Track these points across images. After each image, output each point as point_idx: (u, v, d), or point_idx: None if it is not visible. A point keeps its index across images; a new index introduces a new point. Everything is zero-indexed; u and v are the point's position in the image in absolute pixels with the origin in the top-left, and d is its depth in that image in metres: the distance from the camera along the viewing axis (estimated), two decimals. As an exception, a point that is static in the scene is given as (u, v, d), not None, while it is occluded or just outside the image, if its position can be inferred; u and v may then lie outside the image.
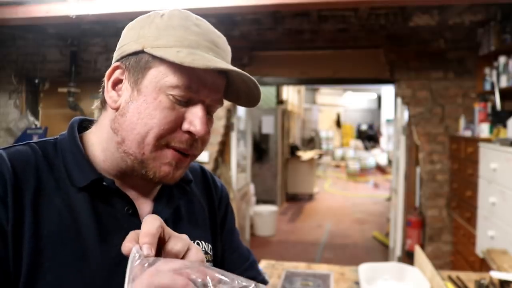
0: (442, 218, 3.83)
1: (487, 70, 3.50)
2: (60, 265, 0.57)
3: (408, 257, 3.86)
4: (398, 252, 4.18)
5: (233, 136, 4.49)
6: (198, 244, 0.72)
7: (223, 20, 3.93)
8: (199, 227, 0.74)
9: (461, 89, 3.78)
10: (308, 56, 4.11)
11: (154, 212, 0.69)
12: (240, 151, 5.10)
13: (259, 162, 7.37)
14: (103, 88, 0.67)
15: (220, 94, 0.66)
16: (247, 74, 0.63)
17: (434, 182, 3.84)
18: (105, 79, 0.67)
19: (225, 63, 0.63)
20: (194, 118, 0.62)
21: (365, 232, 5.91)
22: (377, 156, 12.91)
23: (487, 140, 3.04)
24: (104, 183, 0.64)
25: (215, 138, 4.15)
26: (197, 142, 0.65)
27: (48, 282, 0.57)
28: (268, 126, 7.39)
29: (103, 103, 0.68)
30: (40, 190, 0.60)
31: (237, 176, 4.71)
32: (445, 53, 3.80)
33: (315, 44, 3.97)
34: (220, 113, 4.11)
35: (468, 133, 3.51)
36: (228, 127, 4.33)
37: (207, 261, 0.72)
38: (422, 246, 3.80)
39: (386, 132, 11.77)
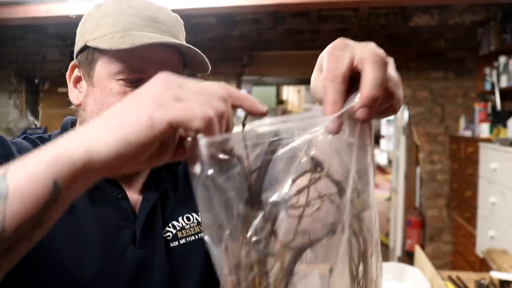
0: (442, 218, 3.83)
1: (487, 70, 3.50)
2: (57, 245, 0.58)
3: (408, 257, 3.86)
4: (398, 252, 4.17)
5: (233, 136, 4.49)
6: (188, 218, 0.72)
7: (223, 20, 3.93)
8: (188, 202, 0.74)
9: (461, 89, 3.78)
10: (308, 56, 4.10)
11: (143, 196, 0.69)
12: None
13: (259, 162, 7.37)
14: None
15: (172, 68, 0.65)
16: (182, 43, 0.63)
17: (434, 182, 3.84)
18: (67, 78, 0.69)
19: (161, 37, 0.63)
20: None
21: (365, 232, 5.91)
22: (377, 156, 12.92)
23: (487, 140, 3.04)
24: None
25: (215, 138, 4.14)
26: None
27: (45, 260, 0.57)
28: (268, 126, 7.37)
29: (70, 103, 0.70)
30: None
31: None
32: (445, 53, 3.79)
33: (315, 44, 3.97)
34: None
35: (468, 133, 3.51)
36: (228, 127, 4.33)
37: (201, 231, 0.72)
38: (422, 246, 3.80)
39: (387, 132, 11.77)
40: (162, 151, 0.39)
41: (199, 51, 0.65)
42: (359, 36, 3.90)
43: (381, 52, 0.38)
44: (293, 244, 0.37)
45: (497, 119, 3.23)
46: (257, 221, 0.36)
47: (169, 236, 0.69)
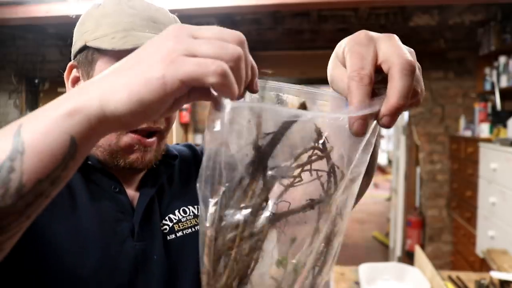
0: (442, 218, 3.83)
1: (487, 70, 3.50)
2: (57, 238, 0.59)
3: (408, 257, 3.86)
4: (398, 252, 4.18)
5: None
6: (184, 211, 0.73)
7: (223, 20, 3.93)
8: (184, 195, 0.75)
9: (461, 89, 3.78)
10: (308, 56, 4.11)
11: (141, 190, 0.70)
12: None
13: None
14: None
15: None
16: None
17: (434, 182, 3.84)
18: (65, 79, 0.69)
19: None
20: None
21: (365, 232, 5.91)
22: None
23: (487, 140, 3.04)
24: (89, 162, 0.66)
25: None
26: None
27: (45, 252, 0.58)
28: (268, 126, 7.39)
29: None
30: None
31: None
32: (445, 53, 3.80)
33: (315, 44, 3.98)
34: (220, 113, 4.11)
35: (468, 133, 3.51)
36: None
37: (197, 224, 0.73)
38: (422, 246, 3.80)
39: (387, 132, 11.79)
40: (176, 103, 0.39)
41: None
42: (359, 36, 3.90)
43: (407, 54, 0.37)
44: (273, 209, 0.38)
45: (497, 119, 3.24)
46: (256, 188, 0.37)
47: (166, 229, 0.70)
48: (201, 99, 0.40)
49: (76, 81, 0.69)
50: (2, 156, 0.34)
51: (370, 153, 0.41)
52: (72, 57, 0.70)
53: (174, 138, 3.85)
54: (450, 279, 1.75)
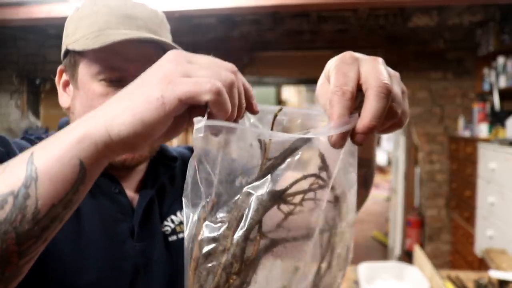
0: (441, 218, 3.84)
1: (486, 71, 3.51)
2: (59, 239, 0.59)
3: (407, 257, 3.87)
4: (397, 251, 4.19)
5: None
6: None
7: (223, 21, 3.94)
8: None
9: (460, 89, 3.80)
10: (307, 57, 4.12)
11: (140, 191, 0.71)
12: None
13: (259, 162, 7.37)
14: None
15: (153, 63, 0.66)
16: (154, 37, 0.62)
17: (433, 182, 3.86)
18: (56, 83, 0.70)
19: (135, 33, 0.62)
20: None
21: (364, 232, 5.92)
22: (377, 156, 12.92)
23: (486, 140, 3.05)
24: None
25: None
26: None
27: (47, 253, 0.57)
28: (268, 126, 7.37)
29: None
30: None
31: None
32: (444, 54, 3.81)
33: (315, 45, 3.99)
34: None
35: (467, 133, 3.52)
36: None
37: None
38: (421, 246, 3.81)
39: (385, 136, 11.82)
40: (178, 124, 0.41)
41: (173, 45, 0.64)
42: (358, 36, 3.92)
43: (385, 77, 0.38)
44: (271, 235, 0.39)
45: (495, 119, 3.25)
46: (251, 204, 0.38)
47: (167, 230, 0.70)
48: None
49: (66, 84, 0.70)
50: (17, 183, 0.36)
51: (352, 173, 0.43)
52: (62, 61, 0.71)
53: (175, 139, 3.86)
54: (449, 278, 1.76)
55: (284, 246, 0.40)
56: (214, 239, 0.37)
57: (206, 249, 0.37)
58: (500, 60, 3.24)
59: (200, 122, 0.36)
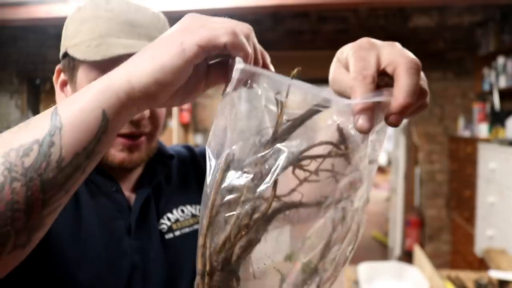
0: (441, 217, 3.84)
1: (486, 71, 3.51)
2: (59, 234, 0.59)
3: (407, 257, 3.87)
4: (397, 251, 4.19)
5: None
6: (182, 210, 0.74)
7: (223, 21, 3.94)
8: (182, 195, 0.76)
9: (460, 89, 3.80)
10: (308, 56, 4.12)
11: (137, 189, 0.71)
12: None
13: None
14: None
15: None
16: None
17: (433, 182, 3.86)
18: (54, 83, 0.69)
19: (136, 43, 0.62)
20: None
21: (364, 232, 5.88)
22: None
23: (486, 140, 3.05)
24: None
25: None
26: (144, 120, 0.65)
27: (46, 248, 0.58)
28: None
29: None
30: None
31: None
32: (444, 54, 3.81)
33: (315, 45, 3.99)
34: (220, 113, 4.12)
35: (467, 133, 3.52)
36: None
37: (197, 222, 0.73)
38: (421, 246, 3.82)
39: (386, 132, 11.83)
40: (196, 83, 0.42)
41: None
42: (358, 36, 3.89)
43: (413, 56, 0.37)
44: (285, 199, 0.39)
45: (495, 119, 3.25)
46: (268, 154, 0.38)
47: (164, 228, 0.70)
48: (219, 82, 0.43)
49: (64, 84, 0.69)
50: (42, 133, 0.37)
51: (378, 150, 0.42)
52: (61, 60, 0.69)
53: (175, 138, 3.86)
54: (449, 278, 1.76)
55: (297, 211, 0.40)
56: (236, 189, 0.37)
57: (228, 198, 0.37)
58: (500, 60, 3.24)
59: (240, 63, 0.37)
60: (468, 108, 3.71)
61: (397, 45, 0.39)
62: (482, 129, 3.29)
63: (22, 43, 4.30)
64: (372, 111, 0.36)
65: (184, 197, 0.75)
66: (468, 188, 3.29)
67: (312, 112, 0.39)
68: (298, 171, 0.39)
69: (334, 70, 0.42)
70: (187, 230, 0.72)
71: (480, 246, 2.97)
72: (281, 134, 0.39)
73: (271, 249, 0.39)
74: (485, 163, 2.93)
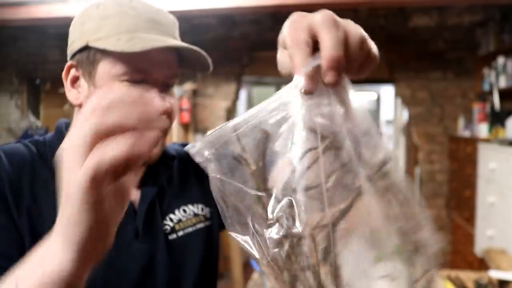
0: (441, 217, 3.84)
1: (486, 71, 3.51)
2: None
3: (407, 257, 3.88)
4: (397, 251, 4.19)
5: (233, 136, 4.50)
6: (184, 210, 0.73)
7: (223, 21, 3.95)
8: (183, 195, 0.75)
9: (460, 89, 3.80)
10: (307, 57, 4.12)
11: (141, 192, 0.70)
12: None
13: (259, 162, 7.38)
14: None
15: (173, 69, 0.68)
16: (188, 45, 0.65)
17: (433, 182, 3.86)
18: (63, 79, 0.69)
19: (166, 39, 0.64)
20: None
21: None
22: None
23: (486, 140, 3.05)
24: None
25: (215, 138, 4.16)
26: (163, 114, 0.65)
27: None
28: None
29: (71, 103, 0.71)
30: (38, 183, 0.62)
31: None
32: (444, 54, 3.81)
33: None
34: (220, 113, 4.12)
35: (467, 133, 3.52)
36: (228, 127, 4.34)
37: (197, 222, 0.73)
38: (422, 246, 3.81)
39: (387, 132, 11.83)
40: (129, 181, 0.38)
41: (202, 52, 0.67)
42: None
43: (327, 12, 0.37)
44: (325, 221, 0.36)
45: (495, 119, 3.25)
46: (272, 205, 0.36)
47: (167, 229, 0.70)
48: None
49: (75, 80, 0.69)
50: None
51: (357, 117, 0.38)
52: (69, 57, 0.70)
53: (175, 138, 3.86)
54: (449, 278, 1.76)
55: (345, 219, 0.36)
56: (279, 242, 0.35)
57: (274, 252, 0.35)
58: (500, 60, 3.24)
59: (192, 149, 0.36)
60: (468, 108, 3.71)
61: (326, 11, 0.38)
62: (482, 129, 3.29)
63: (22, 43, 4.30)
64: (315, 74, 0.35)
65: (186, 197, 0.75)
66: (468, 188, 3.29)
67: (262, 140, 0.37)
68: (310, 193, 0.36)
69: (279, 55, 0.42)
70: (190, 229, 0.72)
71: (480, 246, 2.96)
72: (260, 178, 0.37)
73: (358, 264, 0.36)
74: (485, 163, 2.93)
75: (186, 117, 3.93)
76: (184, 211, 0.74)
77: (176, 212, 0.73)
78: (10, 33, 4.18)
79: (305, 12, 0.40)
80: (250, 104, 5.62)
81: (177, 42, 0.65)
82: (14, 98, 4.39)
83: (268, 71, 4.23)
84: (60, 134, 0.69)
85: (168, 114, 0.66)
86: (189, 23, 3.97)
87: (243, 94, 5.22)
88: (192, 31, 4.01)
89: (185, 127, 4.05)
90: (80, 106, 0.68)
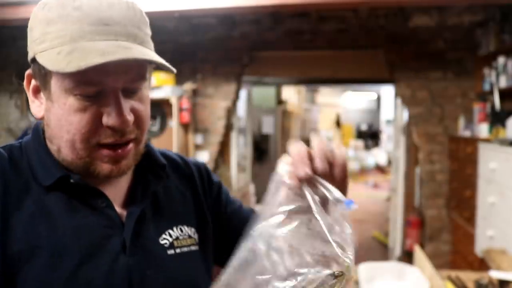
0: (442, 218, 3.84)
1: (486, 70, 3.51)
2: (38, 266, 0.57)
3: (407, 257, 3.87)
4: (397, 251, 4.19)
5: (233, 136, 4.51)
6: (181, 229, 0.71)
7: (223, 21, 3.94)
8: (179, 212, 0.73)
9: (460, 89, 3.79)
10: (307, 56, 4.12)
11: (130, 203, 0.67)
12: (240, 151, 5.11)
13: (259, 162, 7.38)
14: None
15: (133, 72, 0.59)
16: (131, 56, 0.55)
17: (433, 182, 3.85)
18: (25, 89, 0.63)
19: (113, 45, 0.55)
20: (109, 110, 0.58)
21: (364, 232, 5.92)
22: (377, 156, 12.93)
23: (486, 140, 3.05)
24: (72, 180, 0.61)
25: (215, 138, 4.16)
26: (128, 127, 0.60)
27: (28, 279, 0.56)
28: (268, 126, 7.40)
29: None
30: (8, 194, 0.59)
31: (237, 176, 4.72)
32: (444, 53, 3.81)
33: (315, 44, 3.99)
34: (220, 113, 4.12)
35: (467, 133, 3.52)
36: (228, 127, 4.34)
37: (191, 244, 0.72)
38: (422, 246, 3.81)
39: (387, 132, 11.82)
40: None
41: (153, 58, 0.58)
42: (358, 36, 3.92)
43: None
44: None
45: (496, 119, 3.24)
46: None
47: (166, 243, 0.68)
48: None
49: (37, 91, 0.63)
50: None
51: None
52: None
53: (175, 138, 3.86)
54: (449, 278, 1.76)
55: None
56: None
57: None
58: (500, 60, 3.23)
59: None
60: (469, 108, 3.71)
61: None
62: (483, 129, 3.28)
63: (22, 43, 4.26)
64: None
65: (183, 216, 0.73)
66: (468, 188, 3.29)
67: None
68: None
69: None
70: (185, 249, 0.70)
71: (480, 246, 2.96)
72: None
73: None
74: (486, 163, 2.93)
75: (186, 117, 3.92)
76: (181, 230, 0.71)
77: (175, 229, 0.70)
78: (10, 33, 4.18)
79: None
80: (250, 104, 5.62)
81: (122, 51, 0.55)
82: (14, 98, 4.39)
83: (268, 71, 4.22)
84: (37, 133, 0.65)
85: (136, 123, 0.61)
86: (189, 23, 3.97)
87: (243, 94, 5.22)
88: (192, 31, 4.01)
89: (185, 127, 4.04)
90: (42, 119, 0.63)
